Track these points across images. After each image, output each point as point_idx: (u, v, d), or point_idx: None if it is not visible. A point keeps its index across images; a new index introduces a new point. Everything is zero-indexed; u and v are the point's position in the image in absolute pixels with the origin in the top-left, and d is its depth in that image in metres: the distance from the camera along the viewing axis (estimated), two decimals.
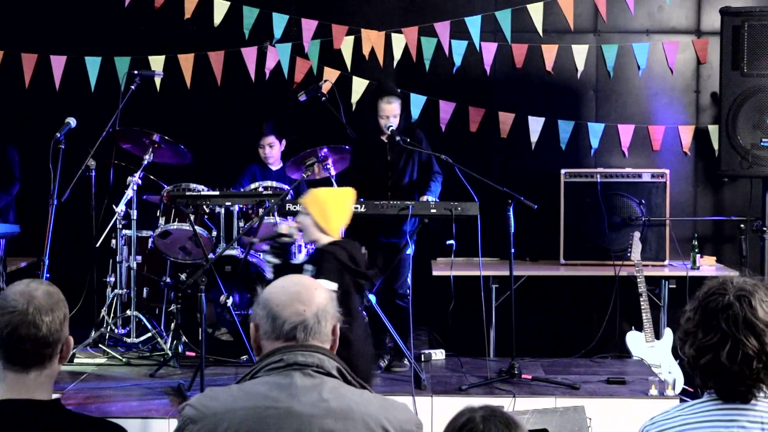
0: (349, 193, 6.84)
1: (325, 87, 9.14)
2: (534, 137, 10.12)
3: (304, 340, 3.24)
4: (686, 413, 3.19)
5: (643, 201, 9.55)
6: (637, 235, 9.11)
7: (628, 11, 10.10)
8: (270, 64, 10.18)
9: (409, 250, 8.23)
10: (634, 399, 7.51)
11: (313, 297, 3.30)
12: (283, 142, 9.43)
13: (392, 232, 8.05)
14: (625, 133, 10.11)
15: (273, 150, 9.36)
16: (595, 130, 10.14)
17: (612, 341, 9.41)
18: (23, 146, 8.97)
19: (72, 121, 7.68)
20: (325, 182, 8.78)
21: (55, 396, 3.34)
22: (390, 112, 8.18)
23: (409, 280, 8.28)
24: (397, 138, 8.05)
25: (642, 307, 8.76)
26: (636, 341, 8.82)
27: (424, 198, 8.07)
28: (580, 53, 10.12)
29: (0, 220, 8.69)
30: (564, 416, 6.35)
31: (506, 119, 10.14)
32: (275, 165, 9.42)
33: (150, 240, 8.89)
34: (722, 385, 3.13)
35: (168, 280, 8.87)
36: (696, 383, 3.23)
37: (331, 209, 6.57)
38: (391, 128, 8.10)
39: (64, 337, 3.27)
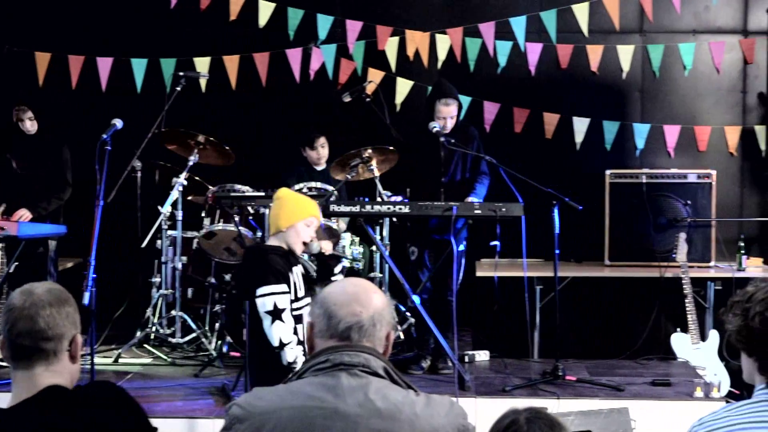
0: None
1: (370, 88, 9.15)
2: (579, 138, 10.09)
3: (357, 341, 3.25)
4: (734, 414, 3.18)
5: (688, 202, 9.50)
6: (682, 236, 9.06)
7: (674, 11, 10.05)
8: (314, 65, 10.21)
9: (461, 247, 8.24)
10: (679, 401, 7.45)
11: (371, 300, 3.30)
12: (328, 143, 9.49)
13: (441, 230, 8.01)
14: (671, 133, 10.07)
15: (325, 150, 9.41)
16: (641, 131, 10.10)
17: (657, 343, 9.37)
18: (70, 148, 9.03)
19: (118, 123, 7.72)
20: (369, 183, 8.79)
21: None
22: (447, 113, 8.17)
23: (460, 276, 8.27)
24: (442, 139, 8.03)
25: (687, 309, 8.72)
26: (681, 343, 8.77)
27: (469, 199, 8.05)
28: (625, 53, 10.09)
29: (50, 221, 8.74)
30: (608, 418, 6.32)
31: (551, 120, 10.12)
32: (323, 166, 9.45)
33: (195, 241, 8.93)
34: None
35: (213, 280, 8.91)
36: (761, 380, 3.22)
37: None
38: (435, 129, 8.08)
39: (68, 333, 3.32)
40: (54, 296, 3.33)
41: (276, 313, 5.97)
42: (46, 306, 3.28)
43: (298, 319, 6.18)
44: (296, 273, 6.29)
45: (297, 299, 6.22)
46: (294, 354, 6.04)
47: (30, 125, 8.87)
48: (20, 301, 3.29)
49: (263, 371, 6.18)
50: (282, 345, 5.99)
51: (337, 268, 6.66)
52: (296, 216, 6.34)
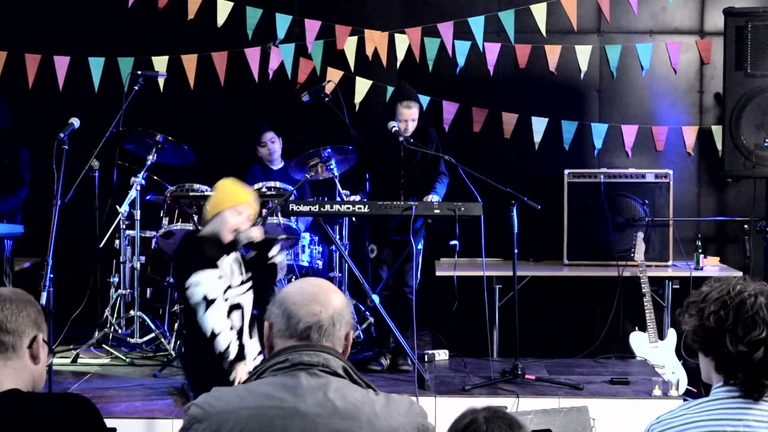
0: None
1: (329, 87, 9.14)
2: (537, 137, 10.12)
3: (317, 341, 3.25)
4: (692, 411, 3.21)
5: (646, 201, 9.55)
6: (640, 235, 9.11)
7: (631, 12, 10.10)
8: (273, 65, 10.19)
9: (420, 245, 8.26)
10: (638, 399, 7.50)
11: (330, 300, 3.30)
12: (280, 139, 9.47)
13: (402, 231, 8.02)
14: (629, 133, 10.11)
15: (276, 145, 9.41)
16: (599, 131, 10.14)
17: (615, 342, 9.41)
18: (27, 147, 8.97)
19: (75, 122, 7.67)
20: (329, 182, 8.79)
21: None
22: (409, 116, 8.19)
23: (418, 275, 8.29)
24: (401, 139, 8.05)
25: (645, 308, 8.76)
26: (639, 341, 8.81)
27: (428, 198, 8.06)
28: (583, 54, 10.13)
29: (6, 221, 8.67)
30: (567, 416, 6.35)
31: (509, 119, 10.14)
32: (277, 163, 9.45)
33: (153, 240, 8.89)
34: (754, 380, 3.18)
35: (171, 280, 8.88)
36: (718, 378, 3.24)
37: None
38: (394, 128, 8.09)
39: (28, 331, 3.33)
40: (16, 295, 3.38)
41: (207, 302, 5.92)
42: (6, 302, 3.31)
43: (234, 307, 6.14)
44: (231, 260, 6.23)
45: (232, 287, 6.17)
46: (227, 341, 5.97)
47: None
48: None
49: (199, 361, 6.15)
50: (214, 334, 5.94)
51: (274, 250, 6.59)
52: (224, 203, 6.27)
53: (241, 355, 6.03)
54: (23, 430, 3.20)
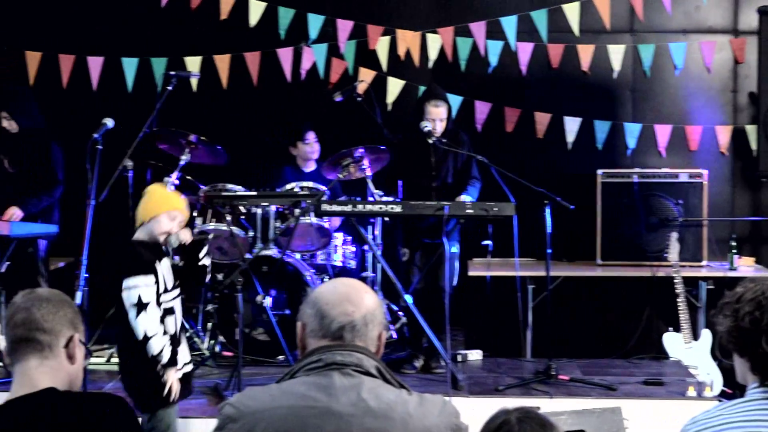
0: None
1: (361, 87, 9.14)
2: (570, 137, 10.10)
3: (350, 341, 3.25)
4: (727, 412, 3.19)
5: (680, 201, 9.51)
6: (674, 235, 9.07)
7: (664, 11, 10.06)
8: (306, 65, 10.21)
9: (454, 249, 8.23)
10: (672, 400, 7.47)
11: (363, 300, 3.31)
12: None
13: (434, 234, 8.00)
14: (662, 133, 10.07)
15: (316, 145, 9.42)
16: (632, 131, 10.10)
17: (649, 342, 9.38)
18: (62, 147, 9.01)
19: (109, 122, 7.72)
20: (361, 183, 8.79)
21: None
22: (437, 115, 8.18)
23: (455, 279, 8.26)
24: (434, 139, 8.04)
25: (679, 308, 8.72)
26: (673, 342, 8.77)
27: (461, 198, 8.05)
28: (616, 53, 10.09)
29: (43, 221, 8.71)
30: (601, 417, 6.32)
31: (542, 119, 10.12)
32: (311, 165, 9.45)
33: None
34: None
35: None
36: (753, 379, 3.23)
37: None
38: (427, 128, 8.09)
39: (64, 331, 3.39)
40: (53, 295, 3.44)
41: (140, 306, 5.94)
42: (43, 302, 3.38)
43: (167, 311, 6.14)
44: (164, 265, 6.23)
45: (166, 291, 6.18)
46: (160, 345, 5.98)
47: (8, 125, 8.81)
48: (21, 298, 3.41)
49: (133, 362, 6.16)
50: (147, 337, 5.95)
51: (203, 252, 6.61)
52: (160, 207, 6.26)
53: (173, 360, 6.06)
54: (59, 429, 3.22)
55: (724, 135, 10.07)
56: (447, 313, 7.56)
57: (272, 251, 8.55)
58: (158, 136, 8.79)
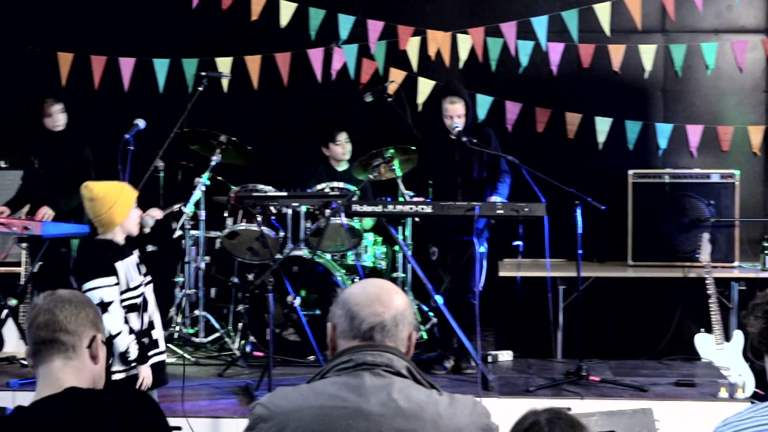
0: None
1: (391, 88, 9.15)
2: (601, 138, 10.07)
3: (380, 341, 3.24)
4: (760, 414, 3.17)
5: (712, 202, 9.47)
6: (706, 236, 9.02)
7: (696, 10, 10.02)
8: (336, 65, 10.22)
9: (482, 248, 8.21)
10: (704, 402, 7.42)
11: (393, 300, 3.30)
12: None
13: (463, 231, 7.98)
14: (694, 133, 10.03)
15: (349, 145, 9.41)
16: (663, 131, 10.07)
17: (681, 343, 9.33)
18: (93, 148, 9.06)
19: (141, 123, 7.76)
20: (391, 183, 8.79)
21: None
22: (453, 111, 8.16)
23: (482, 278, 8.24)
24: (464, 139, 8.02)
25: (711, 309, 8.68)
26: (705, 343, 8.73)
27: (491, 199, 8.03)
28: (647, 53, 10.06)
29: (74, 221, 8.75)
30: (632, 419, 6.30)
31: (573, 120, 10.10)
32: (343, 164, 9.44)
33: (218, 240, 8.95)
34: None
35: (236, 280, 8.94)
36: None
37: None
38: (456, 129, 8.08)
39: (87, 332, 3.41)
40: (75, 297, 3.46)
41: (103, 306, 5.99)
42: (66, 303, 3.39)
43: (131, 308, 6.22)
44: (129, 263, 6.30)
45: (129, 289, 6.23)
46: (126, 343, 6.07)
47: (63, 118, 8.86)
48: (42, 299, 3.42)
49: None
50: (111, 336, 6.01)
51: (174, 225, 6.66)
52: (128, 206, 6.33)
53: (143, 357, 6.16)
54: (88, 428, 3.23)
55: (756, 135, 10.01)
56: (477, 314, 7.54)
57: (303, 251, 8.57)
58: (189, 136, 8.83)
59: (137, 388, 6.09)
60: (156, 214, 6.59)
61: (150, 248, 6.60)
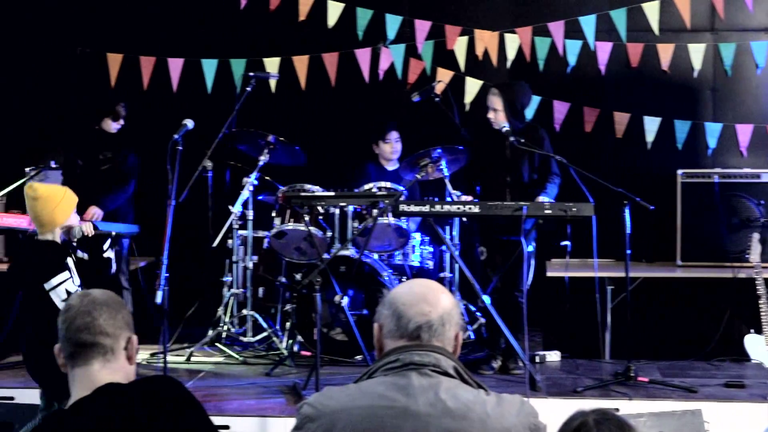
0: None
1: (439, 88, 9.14)
2: (650, 137, 10.02)
3: (427, 341, 3.25)
4: None
5: (762, 201, 9.40)
6: (756, 236, 8.96)
7: (746, 9, 9.95)
8: (384, 65, 10.23)
9: (530, 248, 8.18)
10: (753, 403, 7.36)
11: (439, 300, 3.31)
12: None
13: (511, 231, 7.95)
14: (744, 132, 9.95)
15: (399, 144, 9.41)
16: (713, 130, 10.00)
17: (730, 344, 9.25)
18: (141, 148, 9.12)
19: (189, 123, 7.80)
20: (439, 183, 8.78)
21: None
22: (490, 103, 8.16)
23: (529, 278, 8.21)
24: (511, 138, 8.00)
25: (761, 310, 8.61)
26: (755, 344, 8.67)
27: (539, 199, 8.00)
28: (696, 52, 9.99)
29: (119, 221, 8.81)
30: (681, 420, 6.27)
31: (621, 119, 10.06)
32: (393, 164, 9.44)
33: (266, 240, 8.98)
34: None
35: (283, 280, 8.96)
36: None
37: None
38: (504, 128, 8.06)
39: (124, 333, 3.44)
40: (111, 299, 3.48)
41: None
42: (103, 305, 3.41)
43: None
44: (71, 261, 6.42)
45: (76, 285, 6.34)
46: None
47: (109, 123, 8.97)
48: (77, 301, 3.43)
49: (47, 357, 6.23)
50: None
51: (106, 244, 6.70)
52: (70, 207, 6.44)
53: None
54: (133, 420, 3.24)
55: None
56: (525, 314, 7.52)
57: (350, 251, 8.58)
58: (237, 136, 8.87)
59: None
60: (87, 229, 6.72)
61: (80, 254, 6.67)
